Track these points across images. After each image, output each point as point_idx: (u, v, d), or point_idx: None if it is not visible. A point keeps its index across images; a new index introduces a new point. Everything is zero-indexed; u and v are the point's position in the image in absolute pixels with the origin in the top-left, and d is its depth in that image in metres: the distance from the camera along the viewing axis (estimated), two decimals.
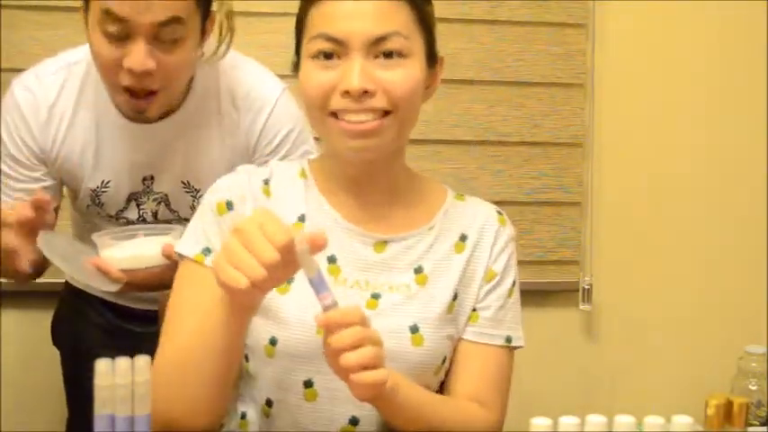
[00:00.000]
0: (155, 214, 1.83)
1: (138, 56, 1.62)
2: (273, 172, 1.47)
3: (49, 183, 1.80)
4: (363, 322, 1.21)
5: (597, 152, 2.54)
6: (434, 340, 1.42)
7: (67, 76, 1.78)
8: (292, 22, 2.34)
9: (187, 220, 1.83)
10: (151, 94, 1.67)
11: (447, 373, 1.47)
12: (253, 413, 1.44)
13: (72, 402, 2.04)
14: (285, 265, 1.17)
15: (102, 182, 1.80)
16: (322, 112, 1.37)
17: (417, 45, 1.38)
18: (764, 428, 1.73)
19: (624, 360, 2.59)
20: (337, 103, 1.36)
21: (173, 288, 1.44)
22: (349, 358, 1.19)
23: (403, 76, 1.36)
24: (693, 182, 2.59)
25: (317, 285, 1.19)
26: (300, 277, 1.25)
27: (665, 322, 2.59)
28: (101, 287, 1.66)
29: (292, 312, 1.38)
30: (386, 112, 1.37)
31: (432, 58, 1.42)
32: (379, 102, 1.35)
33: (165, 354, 1.36)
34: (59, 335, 2.08)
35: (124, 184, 1.81)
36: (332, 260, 1.42)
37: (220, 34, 1.78)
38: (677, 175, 2.58)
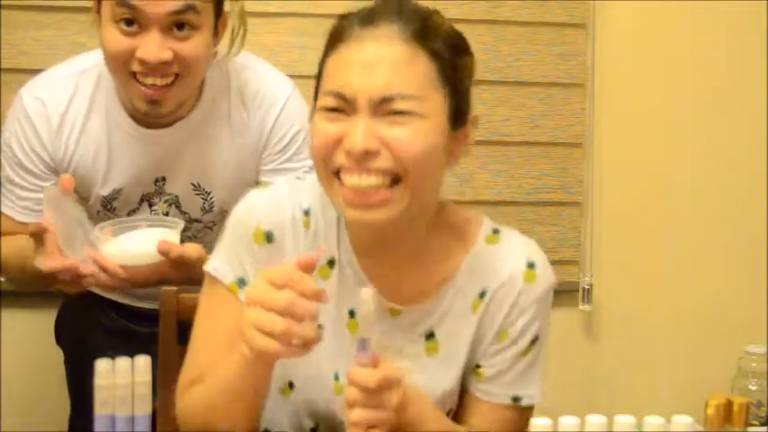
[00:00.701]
0: (166, 215, 1.83)
1: (152, 46, 1.62)
2: (312, 198, 1.37)
3: None
4: (379, 386, 1.17)
5: (597, 152, 2.54)
6: (438, 406, 1.37)
7: (78, 83, 1.78)
8: (292, 22, 2.35)
9: (197, 221, 1.84)
10: (166, 87, 1.67)
11: (456, 417, 1.42)
12: None
13: (75, 402, 2.04)
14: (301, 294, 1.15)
15: (114, 189, 1.80)
16: (326, 167, 1.28)
17: (434, 105, 1.26)
18: (764, 428, 1.73)
19: (624, 360, 2.59)
20: (340, 159, 1.25)
21: (200, 304, 1.40)
22: (347, 414, 1.19)
23: (411, 134, 1.24)
24: (693, 182, 2.59)
25: (364, 346, 1.18)
26: (327, 331, 1.25)
27: (665, 322, 2.59)
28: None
29: (313, 365, 1.35)
30: (395, 180, 1.25)
31: (458, 118, 1.29)
32: (384, 162, 1.24)
33: (189, 376, 1.37)
34: (63, 334, 2.08)
35: (136, 187, 1.81)
36: (351, 314, 1.37)
37: (233, 33, 1.78)
38: (677, 175, 2.58)
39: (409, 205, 1.27)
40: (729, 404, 1.27)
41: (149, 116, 1.74)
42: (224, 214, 1.86)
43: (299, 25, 2.35)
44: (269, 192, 1.39)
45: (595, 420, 1.09)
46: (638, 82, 2.54)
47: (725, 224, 2.60)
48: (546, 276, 1.40)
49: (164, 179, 1.81)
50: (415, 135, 1.24)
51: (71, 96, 1.77)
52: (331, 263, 1.37)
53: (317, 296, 1.15)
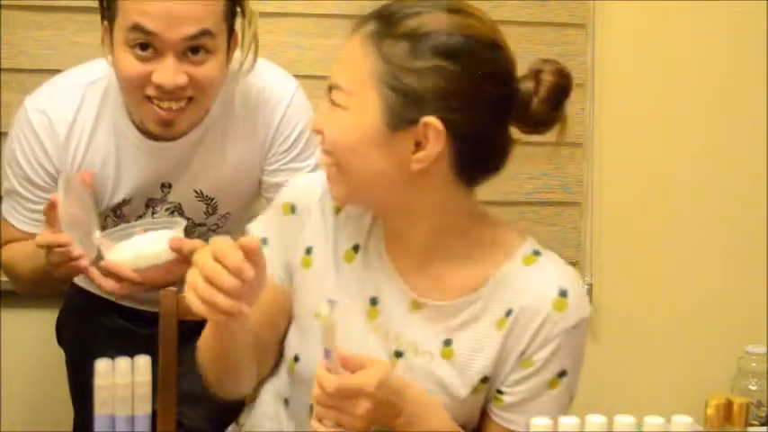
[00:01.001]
0: None
1: (168, 71, 1.61)
2: None
3: None
4: (338, 393, 1.21)
5: (597, 152, 2.53)
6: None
7: (84, 95, 1.76)
8: (291, 22, 2.34)
9: (201, 224, 1.84)
10: (180, 110, 1.67)
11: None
12: None
13: (78, 402, 2.04)
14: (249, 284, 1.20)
15: (124, 199, 1.79)
16: None
17: (363, 101, 1.29)
18: (764, 428, 1.73)
19: (624, 360, 2.59)
20: None
21: None
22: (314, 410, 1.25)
23: (335, 122, 1.31)
24: (693, 182, 2.59)
25: (327, 354, 1.22)
26: (343, 312, 1.32)
27: (665, 322, 2.59)
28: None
29: (316, 342, 1.37)
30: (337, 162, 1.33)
31: (403, 121, 1.28)
32: (325, 145, 1.34)
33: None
34: (65, 335, 2.08)
35: (143, 194, 1.80)
36: (374, 302, 1.39)
37: (245, 51, 1.75)
38: (677, 175, 2.58)
39: (350, 191, 1.34)
40: (729, 404, 1.27)
41: (161, 136, 1.73)
42: (227, 216, 1.86)
43: (297, 25, 2.35)
44: (316, 174, 1.47)
45: (595, 420, 1.09)
46: (638, 82, 2.54)
47: (725, 224, 2.59)
48: (579, 308, 1.35)
49: (170, 185, 1.80)
50: (337, 124, 1.31)
51: (77, 109, 1.75)
52: (356, 248, 1.41)
53: (239, 272, 1.18)
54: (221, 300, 1.18)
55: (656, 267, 2.59)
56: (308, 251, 1.42)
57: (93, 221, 1.69)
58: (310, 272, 1.41)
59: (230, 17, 1.70)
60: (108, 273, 1.64)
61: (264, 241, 1.43)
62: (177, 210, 1.82)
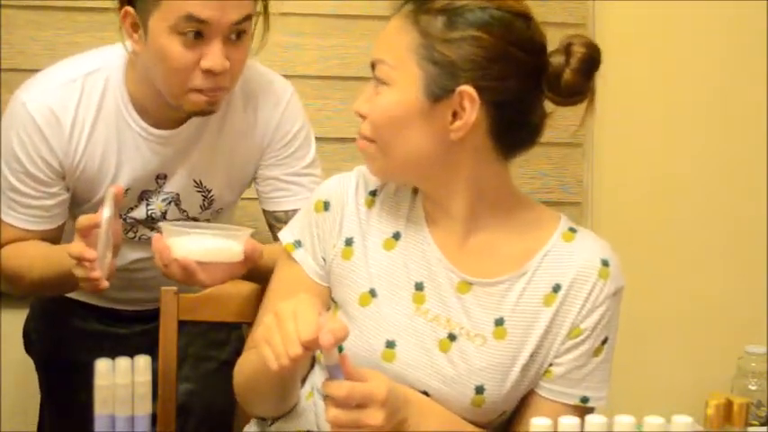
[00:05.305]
0: (164, 214, 1.82)
1: (217, 56, 1.63)
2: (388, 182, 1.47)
3: (64, 196, 1.78)
4: (349, 397, 1.21)
5: (597, 152, 2.54)
6: (495, 402, 1.39)
7: (84, 86, 1.75)
8: (289, 21, 2.34)
9: (194, 219, 1.84)
10: (219, 89, 1.68)
11: (514, 421, 1.43)
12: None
13: (50, 408, 2.02)
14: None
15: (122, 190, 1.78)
16: None
17: (405, 74, 1.34)
18: (764, 428, 1.73)
19: (624, 360, 2.58)
20: None
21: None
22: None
23: (377, 103, 1.36)
24: (694, 182, 2.59)
25: (333, 372, 1.22)
26: (387, 300, 1.37)
27: (664, 322, 2.59)
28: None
29: (364, 331, 1.40)
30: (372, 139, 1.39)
31: (441, 92, 1.33)
32: (364, 127, 1.39)
33: (252, 336, 1.46)
34: (35, 341, 2.05)
35: (139, 187, 1.80)
36: (419, 287, 1.41)
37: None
38: (677, 175, 2.58)
39: (391, 166, 1.38)
40: (729, 404, 1.27)
41: (198, 114, 1.73)
42: (219, 212, 1.86)
43: (297, 25, 2.35)
44: (348, 172, 1.49)
45: (595, 420, 1.10)
46: (638, 82, 2.54)
47: (725, 224, 2.59)
48: (618, 276, 1.43)
49: (165, 176, 1.80)
50: (379, 104, 1.36)
51: (78, 101, 1.74)
52: (396, 236, 1.44)
53: (308, 345, 1.18)
54: (285, 359, 1.19)
55: (656, 267, 2.59)
56: (348, 242, 1.44)
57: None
58: (351, 263, 1.44)
59: None
60: (161, 255, 1.56)
61: (298, 244, 1.47)
62: (174, 200, 1.82)
